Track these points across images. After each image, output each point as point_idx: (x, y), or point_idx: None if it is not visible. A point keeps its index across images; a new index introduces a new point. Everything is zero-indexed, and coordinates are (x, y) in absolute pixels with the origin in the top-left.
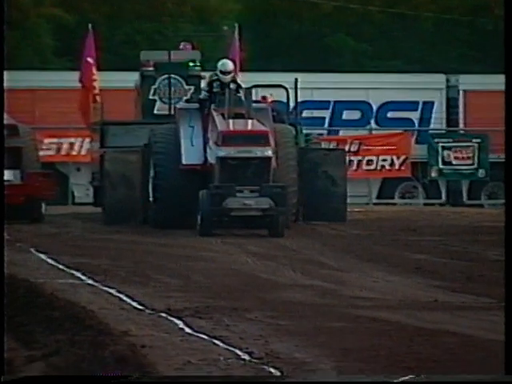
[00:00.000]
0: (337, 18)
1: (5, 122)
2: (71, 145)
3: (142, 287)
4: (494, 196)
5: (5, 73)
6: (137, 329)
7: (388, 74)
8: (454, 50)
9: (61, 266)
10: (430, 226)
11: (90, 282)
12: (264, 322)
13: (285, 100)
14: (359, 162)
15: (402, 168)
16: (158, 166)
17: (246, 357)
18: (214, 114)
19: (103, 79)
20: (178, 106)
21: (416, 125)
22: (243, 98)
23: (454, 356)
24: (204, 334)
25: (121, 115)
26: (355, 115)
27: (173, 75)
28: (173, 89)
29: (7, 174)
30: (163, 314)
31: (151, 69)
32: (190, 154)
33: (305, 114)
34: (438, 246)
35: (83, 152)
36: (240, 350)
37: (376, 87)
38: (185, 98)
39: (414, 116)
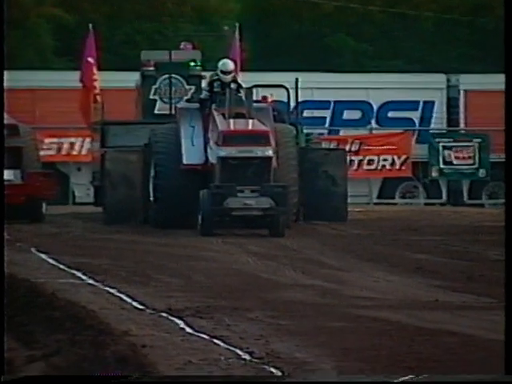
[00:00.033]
0: (337, 17)
1: (5, 121)
2: (72, 144)
3: (143, 287)
4: (495, 196)
5: (5, 72)
6: (137, 328)
7: (388, 73)
8: (455, 49)
9: (61, 266)
10: (431, 226)
11: (91, 281)
12: (265, 322)
13: (285, 100)
14: (360, 161)
15: (403, 168)
16: (158, 166)
17: (247, 356)
18: (215, 113)
19: (104, 79)
20: (178, 105)
21: (417, 124)
22: (244, 97)
23: (454, 356)
24: (205, 333)
25: (121, 115)
26: (356, 115)
27: (173, 75)
28: (173, 88)
29: (8, 174)
30: (164, 314)
31: (152, 69)
32: (190, 153)
33: (305, 113)
34: (439, 245)
35: (84, 152)
36: (241, 349)
37: (376, 87)
38: (185, 97)
39: (415, 116)
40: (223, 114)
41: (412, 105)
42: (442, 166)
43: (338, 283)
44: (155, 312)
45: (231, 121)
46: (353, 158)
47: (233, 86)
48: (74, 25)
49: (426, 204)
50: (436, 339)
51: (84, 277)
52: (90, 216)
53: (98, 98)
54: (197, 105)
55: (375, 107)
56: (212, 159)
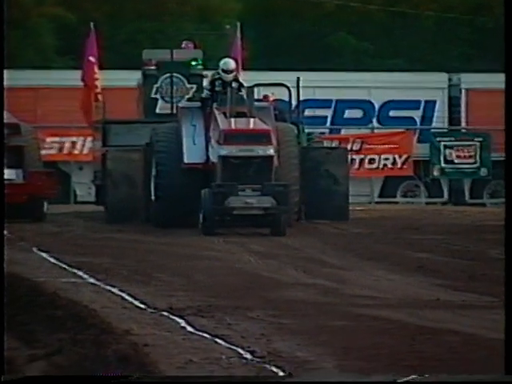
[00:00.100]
0: (338, 16)
1: (7, 120)
2: (73, 144)
3: (144, 286)
4: (496, 195)
5: (7, 72)
6: (139, 328)
7: (390, 72)
8: (456, 48)
9: (63, 265)
10: (432, 225)
11: (92, 280)
12: (266, 321)
13: (287, 99)
14: (361, 160)
15: (404, 167)
16: (160, 165)
17: (248, 356)
18: (216, 112)
19: (105, 78)
20: (180, 104)
21: (418, 123)
22: (245, 96)
23: (456, 355)
24: (206, 332)
25: (123, 114)
26: (357, 114)
27: (175, 74)
28: (175, 88)
29: (9, 173)
30: (165, 313)
31: (153, 68)
32: (191, 152)
33: (307, 112)
34: (440, 244)
35: (85, 151)
36: (242, 348)
37: (378, 86)
38: (187, 96)
39: (416, 115)
40: (224, 113)
41: (413, 104)
42: (443, 165)
43: (340, 282)
44: (156, 311)
45: (232, 120)
46: (354, 156)
47: (234, 84)
48: (75, 24)
49: (427, 203)
50: (437, 338)
51: (85, 276)
52: (91, 215)
53: (100, 96)
54: (198, 104)
55: (377, 106)
56: (213, 158)
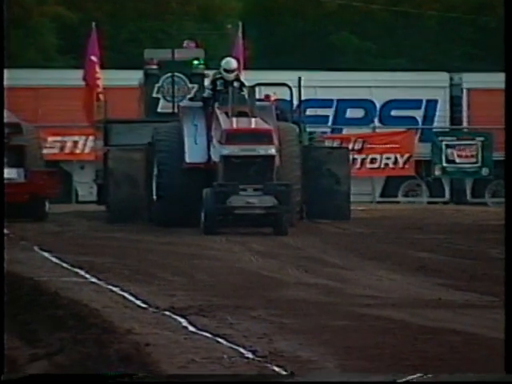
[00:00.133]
0: (341, 16)
1: (8, 120)
2: (75, 143)
3: (146, 285)
4: (498, 194)
5: (8, 71)
6: (140, 327)
7: (392, 72)
8: (458, 48)
9: (64, 265)
10: (434, 225)
11: (94, 280)
12: (268, 321)
13: (288, 98)
14: (363, 160)
15: (406, 166)
16: (161, 164)
17: (250, 355)
18: (218, 112)
19: (107, 77)
20: (181, 104)
21: (419, 123)
22: (247, 96)
23: (457, 354)
24: (208, 332)
25: (124, 113)
26: (359, 113)
27: (176, 73)
28: (176, 87)
29: (11, 173)
30: (167, 313)
31: (155, 67)
32: (193, 152)
33: (308, 112)
34: (442, 244)
35: (87, 150)
36: (244, 348)
37: (380, 85)
38: (188, 96)
39: (418, 114)
40: (226, 113)
41: (415, 103)
42: (444, 164)
43: (341, 282)
44: (158, 310)
45: (234, 119)
46: (356, 156)
47: (236, 84)
48: (77, 23)
49: (428, 202)
50: (439, 338)
51: (87, 275)
52: (93, 214)
53: (101, 96)
54: (200, 103)
55: (378, 106)
56: (215, 158)
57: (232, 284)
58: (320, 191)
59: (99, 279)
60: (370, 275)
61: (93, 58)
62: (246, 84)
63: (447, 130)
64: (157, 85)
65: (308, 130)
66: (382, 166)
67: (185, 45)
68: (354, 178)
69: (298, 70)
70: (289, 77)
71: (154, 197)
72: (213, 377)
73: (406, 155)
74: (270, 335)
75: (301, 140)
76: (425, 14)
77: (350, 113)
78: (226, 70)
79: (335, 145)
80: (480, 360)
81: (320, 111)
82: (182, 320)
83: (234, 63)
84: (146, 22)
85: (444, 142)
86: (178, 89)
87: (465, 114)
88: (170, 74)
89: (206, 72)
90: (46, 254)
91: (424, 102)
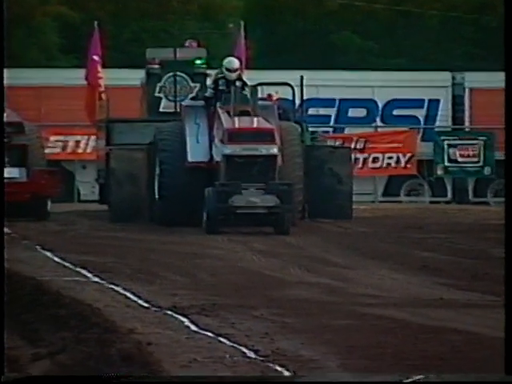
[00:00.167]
0: (342, 15)
1: (11, 119)
2: (77, 142)
3: (148, 285)
4: (500, 194)
5: (11, 70)
6: (143, 326)
7: (394, 71)
8: (460, 47)
9: (66, 264)
10: (436, 224)
11: (96, 279)
12: (270, 320)
13: (290, 98)
14: (365, 159)
15: (408, 166)
16: (163, 164)
17: (252, 354)
18: (220, 111)
19: (109, 77)
20: (183, 103)
21: (422, 122)
22: (249, 95)
23: (459, 354)
24: (210, 331)
25: (126, 113)
26: (361, 113)
27: (178, 73)
28: (178, 86)
29: (13, 172)
30: (169, 312)
31: (157, 66)
32: (195, 151)
33: (310, 111)
34: (444, 243)
35: (89, 150)
36: (246, 347)
37: (382, 85)
38: (190, 95)
39: (420, 114)
40: (228, 112)
41: (417, 103)
42: (447, 163)
43: (343, 281)
44: (160, 310)
45: (236, 119)
46: (358, 155)
47: (238, 83)
48: (79, 22)
49: (431, 202)
50: (441, 337)
51: (89, 275)
52: (94, 214)
53: (103, 95)
54: (202, 102)
55: (380, 105)
56: (217, 157)
57: (234, 283)
58: (322, 191)
59: (101, 279)
60: (372, 274)
61: (95, 57)
62: (248, 83)
63: (449, 129)
64: (159, 84)
65: (310, 129)
66: (384, 165)
67: (187, 44)
68: (356, 177)
69: (300, 70)
70: (291, 76)
71: (156, 196)
72: (214, 377)
73: (408, 155)
74: (272, 335)
75: (303, 139)
76: (426, 13)
77: (352, 112)
78: (228, 70)
79: (337, 144)
80: (481, 360)
81: (322, 110)
82: (184, 319)
83: (235, 62)
84: (148, 22)
85: (446, 142)
86: (180, 88)
87: (467, 114)
88: (172, 74)
89: (208, 71)
90: (48, 254)
91: (426, 101)
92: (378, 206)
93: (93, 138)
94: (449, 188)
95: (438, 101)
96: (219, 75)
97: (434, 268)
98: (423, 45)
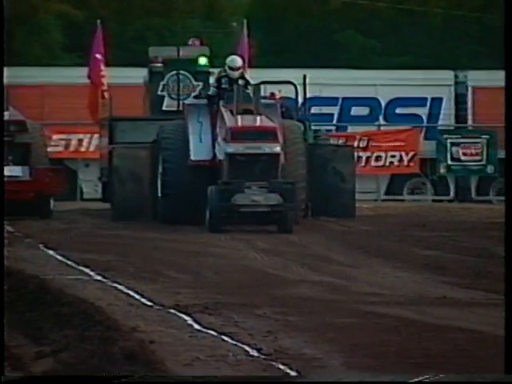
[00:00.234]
0: (346, 13)
1: (14, 117)
2: (80, 141)
3: (151, 283)
4: (503, 192)
5: (14, 69)
6: (145, 325)
7: (397, 70)
8: (463, 46)
9: (69, 262)
10: (439, 222)
11: (99, 278)
12: (273, 318)
13: (293, 96)
14: (368, 158)
15: (411, 164)
16: (166, 162)
17: (255, 353)
18: (223, 110)
19: (112, 75)
20: (186, 102)
21: (425, 121)
22: (252, 94)
23: (462, 352)
24: (213, 330)
25: (129, 111)
26: (364, 111)
27: (181, 71)
28: (181, 85)
29: (16, 170)
30: (172, 310)
31: (160, 65)
32: (198, 150)
33: (313, 110)
34: (447, 242)
35: (92, 148)
36: (249, 346)
37: (385, 83)
38: (193, 94)
39: (423, 112)
40: (231, 111)
41: (420, 101)
42: (449, 162)
43: (347, 279)
44: (163, 308)
45: (239, 117)
46: (361, 154)
47: (241, 82)
48: (82, 21)
49: (433, 200)
50: (444, 335)
51: (92, 273)
52: (97, 212)
53: (106, 94)
54: (205, 101)
55: (383, 104)
56: (220, 155)
57: (237, 282)
58: (325, 189)
59: (104, 277)
60: (375, 273)
61: (98, 55)
62: (251, 82)
63: (452, 128)
64: (162, 83)
65: (313, 127)
66: (387, 163)
67: (190, 43)
68: (359, 175)
69: (303, 68)
70: (294, 75)
71: (159, 194)
72: (216, 377)
73: (411, 153)
74: (275, 333)
75: (306, 138)
76: (430, 11)
77: (355, 111)
78: (230, 68)
79: (340, 143)
80: (485, 358)
81: (325, 109)
82: (186, 318)
83: (238, 61)
84: (152, 20)
85: (449, 140)
86: (183, 87)
87: (470, 112)
88: (175, 72)
89: (210, 70)
90: (51, 252)
91: (429, 99)
92: (380, 205)
93: (96, 136)
94: (452, 186)
95: (440, 99)
96: (222, 74)
97: (437, 266)
98: (427, 43)
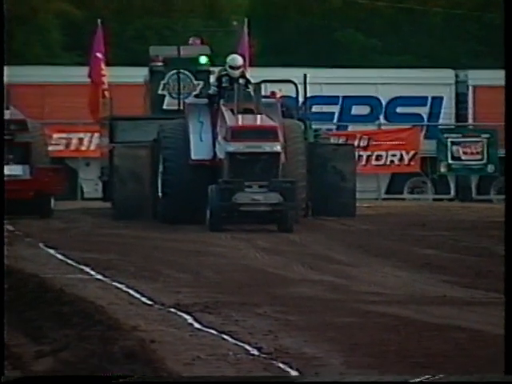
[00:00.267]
0: (346, 12)
1: (14, 117)
2: (80, 140)
3: (152, 282)
4: (503, 191)
5: (14, 68)
6: (146, 324)
7: (397, 69)
8: (463, 45)
9: (70, 261)
10: (439, 221)
11: (99, 277)
12: (273, 317)
13: (294, 95)
14: (368, 157)
15: (411, 163)
16: (167, 161)
17: (255, 352)
18: (223, 109)
19: (112, 74)
20: (187, 101)
21: (425, 120)
22: (252, 93)
23: (462, 351)
24: (213, 329)
25: (130, 110)
26: (364, 110)
27: (182, 70)
28: (182, 84)
29: (17, 169)
30: (172, 309)
31: (160, 64)
32: (199, 149)
33: (314, 109)
34: (447, 241)
35: (92, 147)
36: (249, 345)
37: (385, 82)
38: (194, 93)
39: (423, 111)
40: (232, 110)
41: (420, 100)
42: (450, 161)
43: (347, 279)
44: (164, 307)
45: (239, 116)
46: (361, 153)
47: (241, 81)
48: (82, 20)
49: (434, 199)
50: (444, 335)
51: (92, 272)
52: (98, 211)
53: (107, 93)
54: (205, 100)
55: (384, 103)
56: (220, 154)
57: (237, 281)
58: (325, 188)
59: (104, 276)
60: (376, 272)
61: (98, 54)
62: (252, 81)
63: (453, 127)
64: (162, 82)
65: (313, 126)
66: (388, 162)
67: (190, 42)
68: (360, 174)
69: (304, 67)
70: (294, 74)
71: (160, 194)
72: (217, 377)
73: (412, 152)
74: (276, 332)
75: (306, 137)
76: (430, 10)
77: (356, 110)
78: (231, 67)
79: (341, 142)
80: (485, 357)
81: (326, 108)
82: (187, 317)
83: (239, 60)
84: (152, 19)
85: (449, 139)
86: (184, 86)
87: (470, 111)
88: (175, 71)
89: (211, 69)
90: (52, 251)
91: (429, 99)
92: (381, 204)
93: (96, 135)
94: (452, 185)
95: (441, 98)
96: (223, 73)
97: (438, 265)
98: (427, 42)
